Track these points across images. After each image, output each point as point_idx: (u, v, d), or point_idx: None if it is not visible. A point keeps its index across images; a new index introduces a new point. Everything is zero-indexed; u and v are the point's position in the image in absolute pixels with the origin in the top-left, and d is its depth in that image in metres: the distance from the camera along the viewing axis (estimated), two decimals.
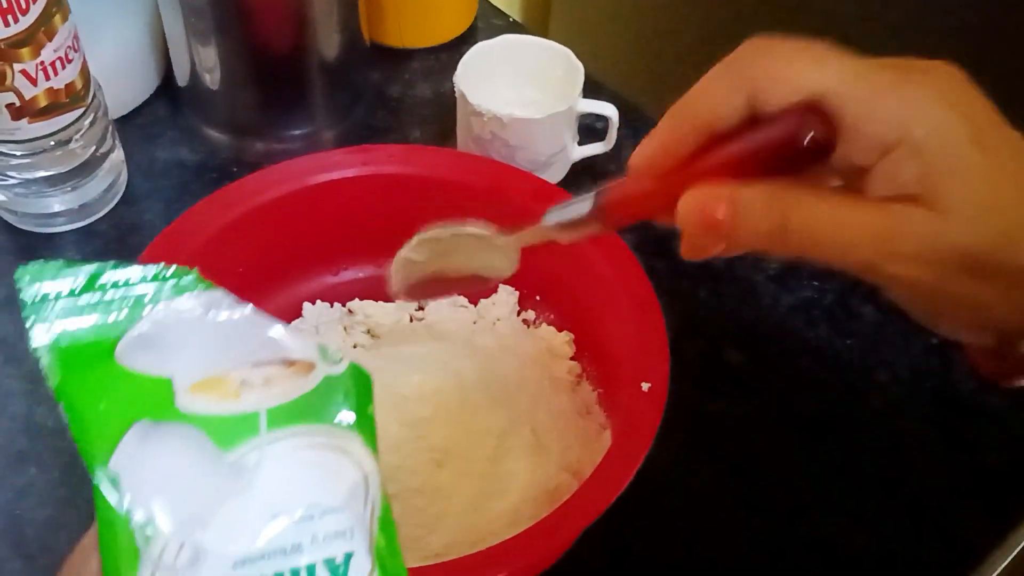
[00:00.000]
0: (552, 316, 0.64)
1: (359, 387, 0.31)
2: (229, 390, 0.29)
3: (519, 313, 0.64)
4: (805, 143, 0.35)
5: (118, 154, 0.71)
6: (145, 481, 0.27)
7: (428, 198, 0.63)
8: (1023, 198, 0.34)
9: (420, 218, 0.62)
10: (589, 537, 0.56)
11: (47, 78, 0.61)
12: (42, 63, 0.60)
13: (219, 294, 0.30)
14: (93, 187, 0.69)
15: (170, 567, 0.27)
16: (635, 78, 0.93)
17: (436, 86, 0.80)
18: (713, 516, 0.58)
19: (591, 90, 0.71)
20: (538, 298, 0.64)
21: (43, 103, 0.61)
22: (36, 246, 0.68)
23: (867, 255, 0.35)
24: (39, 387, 0.61)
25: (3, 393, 0.61)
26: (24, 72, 0.59)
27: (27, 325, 0.29)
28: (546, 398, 0.58)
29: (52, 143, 0.64)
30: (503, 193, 0.61)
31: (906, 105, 0.34)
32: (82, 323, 0.29)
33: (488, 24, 0.85)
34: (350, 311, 0.64)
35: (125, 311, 0.29)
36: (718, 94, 0.37)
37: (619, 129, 0.71)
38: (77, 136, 0.65)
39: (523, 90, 0.73)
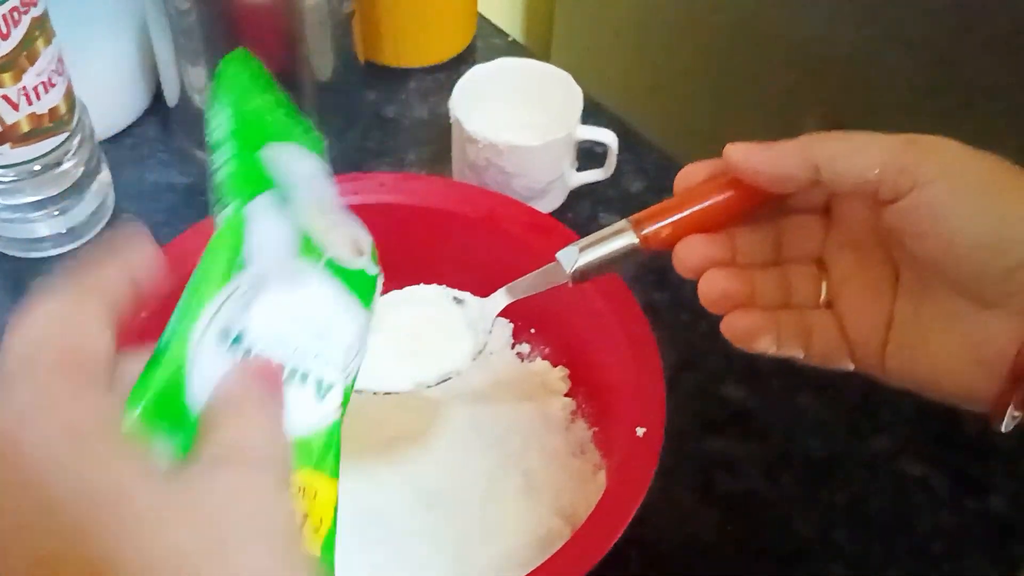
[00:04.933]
0: (547, 350, 0.62)
1: (374, 290, 0.40)
2: (322, 225, 0.38)
3: (513, 346, 0.63)
4: None
5: (105, 176, 0.69)
6: (258, 234, 0.35)
7: (420, 228, 0.61)
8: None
9: (411, 248, 0.62)
10: None
11: (29, 103, 0.59)
12: (24, 88, 0.58)
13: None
14: (80, 211, 0.67)
15: (238, 301, 0.33)
16: (636, 99, 0.91)
17: (433, 107, 0.79)
18: (711, 560, 0.56)
19: (590, 112, 0.69)
20: (533, 331, 0.63)
21: (25, 128, 0.60)
22: (22, 272, 0.67)
23: (895, 155, 0.39)
24: None
25: None
26: (5, 97, 0.58)
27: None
28: (539, 438, 0.57)
29: (37, 167, 0.63)
30: (496, 223, 0.60)
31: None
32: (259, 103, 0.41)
33: (487, 43, 0.84)
34: None
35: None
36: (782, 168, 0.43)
37: (618, 155, 0.70)
38: (65, 159, 0.64)
39: (520, 113, 0.71)
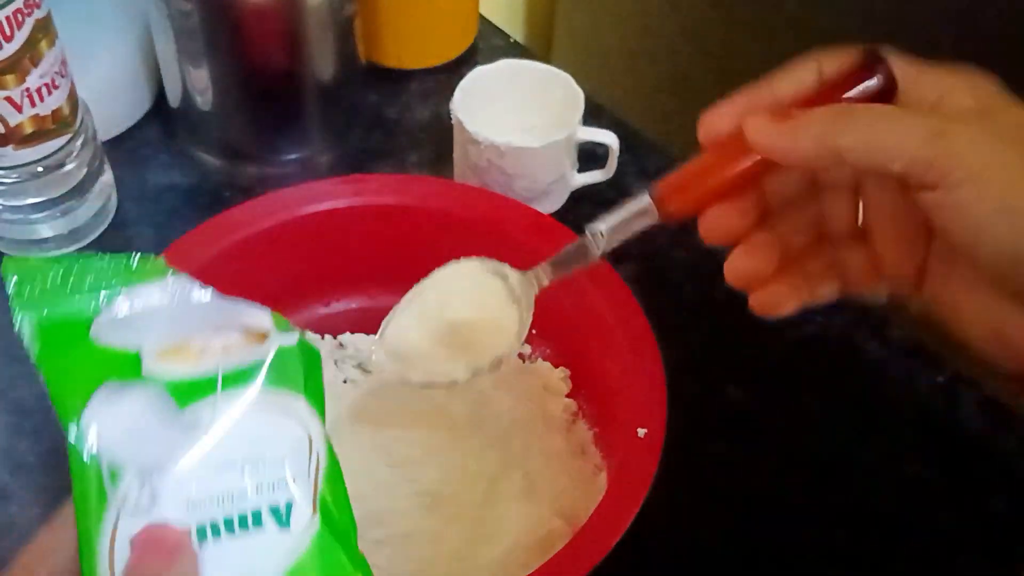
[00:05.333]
0: (549, 351, 0.62)
1: (308, 359, 0.35)
2: (191, 356, 0.33)
3: None
4: (878, 81, 0.39)
5: (108, 178, 0.69)
6: (112, 433, 0.32)
7: (421, 229, 0.61)
8: None
9: (412, 249, 0.62)
10: None
11: (32, 105, 0.59)
12: (27, 90, 0.58)
13: (184, 279, 0.35)
14: (83, 212, 0.67)
15: (132, 506, 0.31)
16: (637, 100, 0.91)
17: (435, 108, 0.79)
18: (712, 561, 0.56)
19: (591, 112, 0.69)
20: (535, 331, 0.62)
21: (28, 130, 0.60)
22: None
23: (934, 126, 0.37)
24: (23, 420, 0.60)
25: None
26: (9, 99, 0.58)
27: (13, 310, 0.33)
28: (540, 439, 0.57)
29: (40, 169, 0.63)
30: (498, 225, 0.60)
31: (951, 75, 0.40)
32: (62, 306, 0.33)
33: (488, 44, 0.84)
34: (341, 344, 0.62)
35: (101, 295, 0.33)
36: (792, 69, 0.42)
37: (619, 156, 0.70)
38: (68, 161, 0.64)
39: (522, 115, 0.71)
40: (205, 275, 0.56)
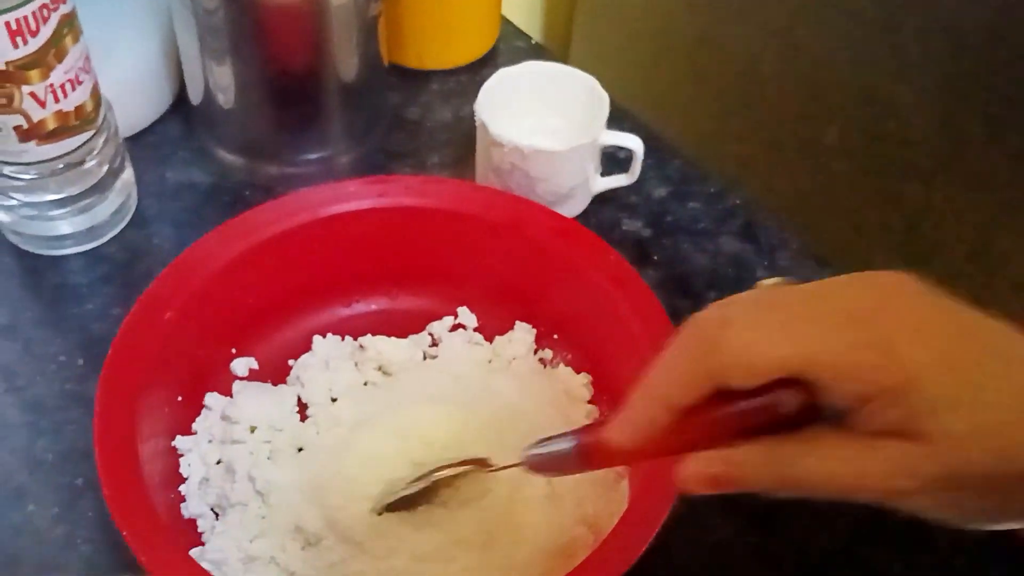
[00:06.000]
0: (570, 356, 0.62)
1: None
2: None
3: (536, 352, 0.62)
4: (785, 412, 0.36)
5: (128, 175, 0.69)
6: None
7: (444, 232, 0.61)
8: (1012, 413, 0.35)
9: (435, 252, 0.61)
10: None
11: (56, 100, 0.59)
12: (51, 85, 0.58)
13: None
14: (103, 209, 0.67)
15: None
16: (654, 104, 0.91)
17: (456, 109, 0.78)
18: (733, 571, 0.56)
19: (613, 116, 0.69)
20: (556, 336, 0.62)
21: (51, 126, 0.60)
22: (42, 269, 0.67)
23: (871, 496, 0.36)
24: (41, 418, 0.60)
25: (2, 424, 0.59)
26: (33, 94, 0.58)
27: None
28: None
29: (61, 165, 0.62)
30: (520, 229, 0.60)
31: (876, 357, 0.34)
32: None
33: (510, 46, 0.83)
34: (362, 346, 0.62)
35: None
36: (684, 379, 0.37)
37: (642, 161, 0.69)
38: (89, 158, 0.63)
39: (545, 118, 0.71)
40: (226, 275, 0.57)
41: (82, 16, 0.60)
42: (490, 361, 0.62)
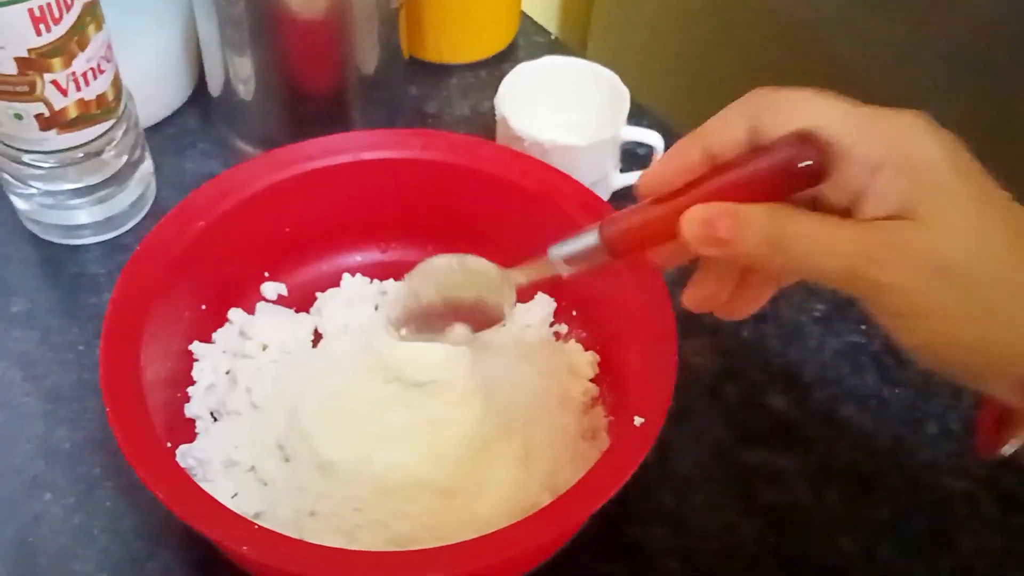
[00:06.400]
0: (584, 334, 0.62)
1: None
2: None
3: (552, 324, 0.63)
4: (800, 167, 0.38)
5: (148, 165, 0.69)
6: None
7: (479, 192, 0.62)
8: (1003, 224, 0.37)
9: (469, 210, 0.62)
10: None
11: (78, 89, 0.59)
12: (73, 73, 0.58)
13: None
14: (122, 199, 0.67)
15: None
16: (673, 99, 0.90)
17: (475, 103, 0.78)
18: (752, 571, 0.55)
19: (632, 112, 0.68)
20: (574, 313, 0.63)
21: (73, 114, 0.60)
22: (61, 258, 0.67)
23: (854, 261, 0.37)
24: (59, 407, 0.59)
25: (20, 414, 0.59)
26: (55, 83, 0.58)
27: None
28: (550, 415, 0.56)
29: (81, 154, 0.62)
30: (551, 199, 0.60)
31: (895, 129, 0.37)
32: None
33: (529, 41, 0.83)
34: (384, 292, 0.63)
35: None
36: (724, 125, 0.40)
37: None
38: (109, 148, 0.63)
39: (564, 112, 0.70)
40: (263, 200, 0.59)
41: (103, 5, 0.60)
42: (503, 324, 0.61)
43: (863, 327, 0.65)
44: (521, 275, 0.50)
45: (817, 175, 0.38)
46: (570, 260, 0.45)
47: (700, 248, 0.39)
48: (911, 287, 0.36)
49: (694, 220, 0.39)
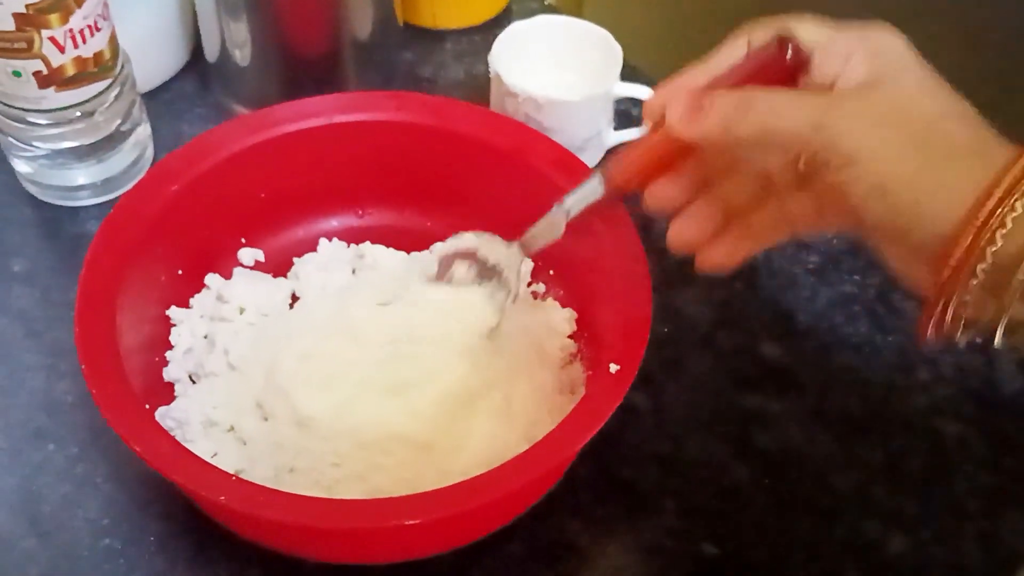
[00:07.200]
0: (562, 293, 0.63)
1: None
2: None
3: (530, 284, 0.63)
4: (788, 57, 0.43)
5: (144, 129, 0.69)
6: None
7: (453, 152, 0.62)
8: (955, 100, 0.41)
9: (444, 172, 0.64)
10: (614, 529, 0.55)
11: (75, 46, 0.59)
12: (71, 30, 0.59)
13: None
14: (118, 161, 0.67)
15: None
16: (668, 64, 0.91)
17: (469, 68, 0.79)
18: (746, 514, 0.56)
19: (626, 74, 0.69)
20: (552, 272, 0.63)
21: (71, 72, 0.60)
22: (60, 219, 0.67)
23: (815, 114, 0.41)
24: (59, 361, 0.60)
25: (22, 367, 0.60)
26: (52, 39, 0.58)
27: None
28: (530, 369, 0.57)
29: (78, 113, 0.63)
30: (525, 158, 0.61)
31: (864, 29, 0.43)
32: None
33: (523, 7, 0.84)
34: (362, 255, 0.63)
35: None
36: (725, 50, 0.46)
37: None
38: (102, 108, 0.64)
39: (559, 72, 0.71)
40: (238, 162, 0.59)
41: None
42: (480, 284, 0.62)
43: (856, 277, 0.66)
44: (529, 244, 0.54)
45: (794, 68, 0.43)
46: (576, 210, 0.50)
47: (682, 128, 0.44)
48: (864, 131, 0.40)
49: (677, 104, 0.44)
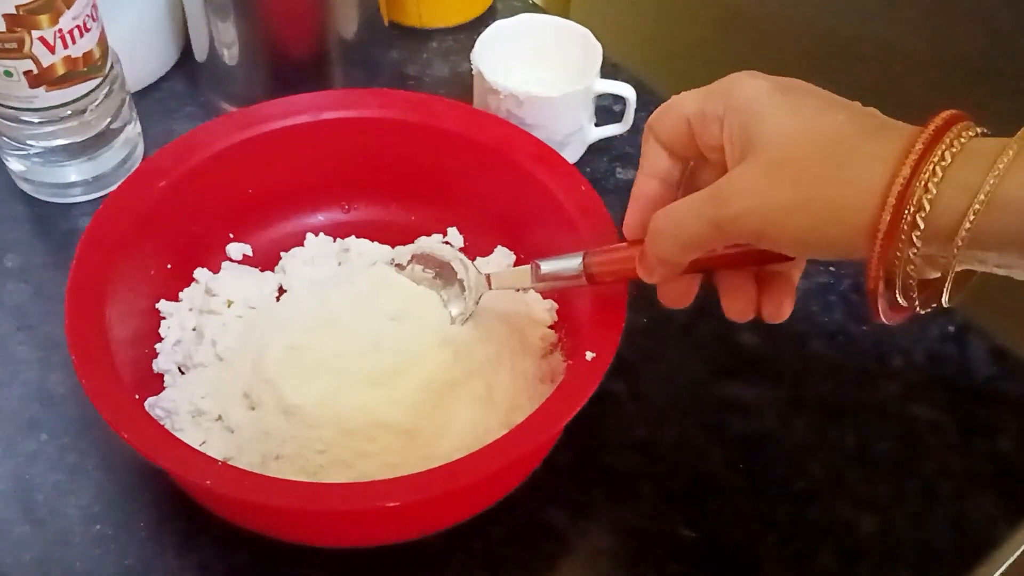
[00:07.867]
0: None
1: None
2: None
3: None
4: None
5: (134, 127, 0.71)
6: None
7: (436, 148, 0.64)
8: (816, 116, 0.42)
9: (428, 168, 0.65)
10: (594, 513, 0.56)
11: (65, 46, 0.61)
12: (60, 31, 0.60)
13: None
14: (109, 158, 0.69)
15: None
16: (653, 60, 0.92)
17: (454, 66, 0.80)
18: (721, 498, 0.57)
19: (609, 72, 0.71)
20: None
21: (60, 71, 0.62)
22: (53, 215, 0.69)
23: (709, 214, 0.43)
24: (52, 354, 0.61)
25: (16, 360, 0.61)
26: (42, 39, 0.60)
27: None
28: (512, 358, 0.58)
29: (69, 112, 0.64)
30: (507, 153, 0.62)
31: (724, 85, 0.46)
32: None
33: (507, 6, 0.85)
34: (347, 249, 0.65)
35: None
36: (649, 159, 0.50)
37: (636, 111, 0.71)
38: (92, 107, 0.65)
39: (540, 70, 0.73)
40: (226, 158, 0.61)
41: None
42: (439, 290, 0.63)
43: (831, 268, 0.67)
44: (496, 281, 0.57)
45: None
46: (550, 277, 0.53)
47: (646, 279, 0.49)
48: (756, 208, 0.42)
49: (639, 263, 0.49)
